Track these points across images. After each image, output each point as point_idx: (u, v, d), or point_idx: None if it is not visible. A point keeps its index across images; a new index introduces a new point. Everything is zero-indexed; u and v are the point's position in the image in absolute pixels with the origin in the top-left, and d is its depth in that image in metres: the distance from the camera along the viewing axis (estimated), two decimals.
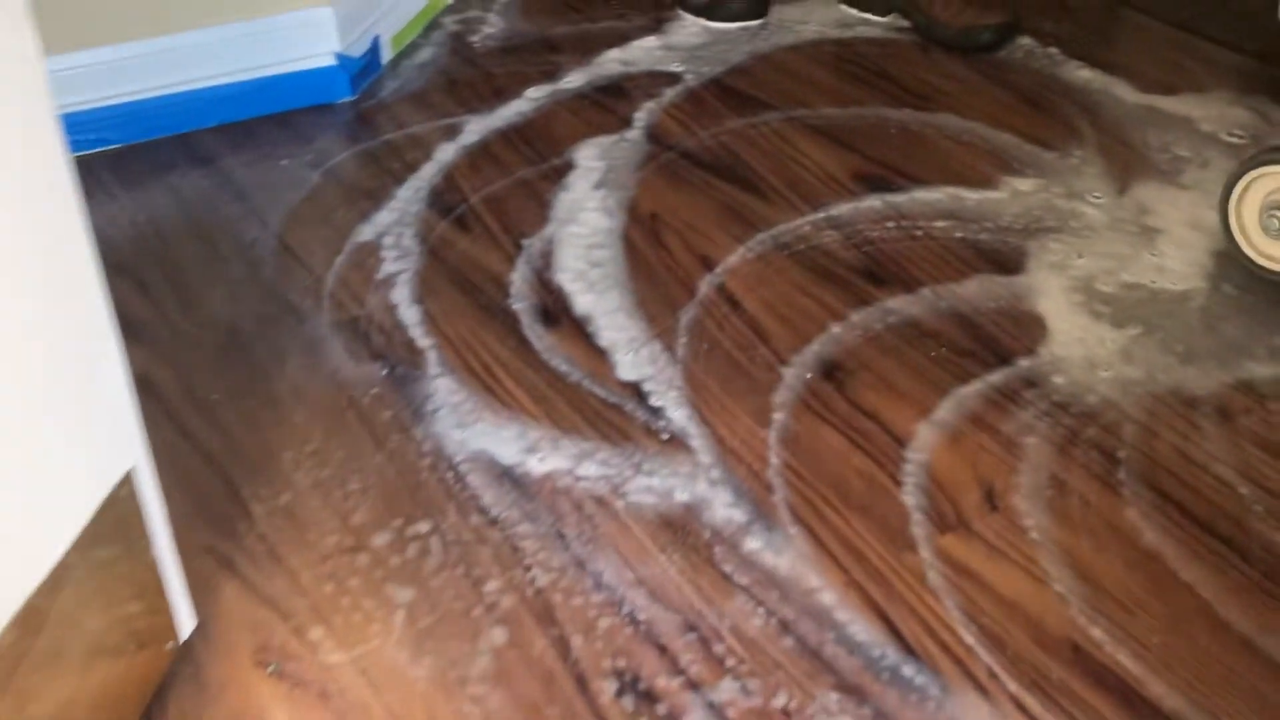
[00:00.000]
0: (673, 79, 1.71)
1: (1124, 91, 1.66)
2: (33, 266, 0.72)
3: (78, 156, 1.49)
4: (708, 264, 1.33)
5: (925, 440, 1.10)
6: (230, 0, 1.53)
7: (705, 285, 1.30)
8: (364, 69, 1.65)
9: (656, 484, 1.06)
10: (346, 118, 1.61)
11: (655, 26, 1.86)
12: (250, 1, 1.54)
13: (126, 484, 0.81)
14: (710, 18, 1.86)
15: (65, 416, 0.76)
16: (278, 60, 1.58)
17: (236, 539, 1.01)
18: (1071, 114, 1.62)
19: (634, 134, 1.58)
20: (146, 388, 1.14)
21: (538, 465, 1.07)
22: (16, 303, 0.71)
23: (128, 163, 1.50)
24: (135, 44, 1.49)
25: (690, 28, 1.85)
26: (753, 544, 1.00)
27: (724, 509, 1.03)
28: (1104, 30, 1.86)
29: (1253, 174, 1.27)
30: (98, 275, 0.78)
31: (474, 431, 1.10)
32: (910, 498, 1.05)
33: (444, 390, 1.15)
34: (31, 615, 0.73)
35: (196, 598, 0.93)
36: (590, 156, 1.53)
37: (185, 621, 0.91)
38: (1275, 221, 1.25)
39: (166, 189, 1.45)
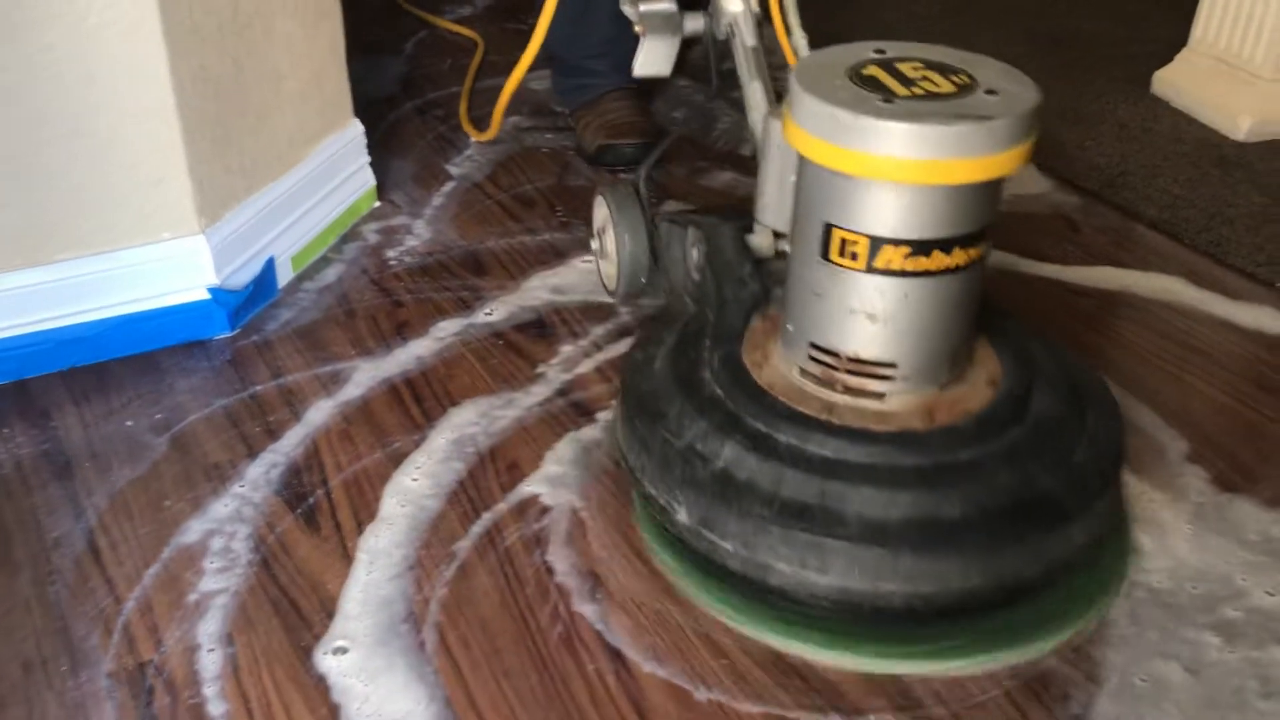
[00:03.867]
0: (606, 313, 1.49)
1: None
2: None
3: None
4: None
5: None
6: (85, 231, 1.34)
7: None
8: (249, 299, 1.45)
9: None
10: (218, 360, 1.40)
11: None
12: (108, 231, 1.35)
13: None
14: None
15: None
16: (141, 296, 1.38)
17: None
18: None
19: (539, 391, 1.35)
20: None
21: None
22: None
23: None
24: None
25: None
26: None
27: None
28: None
29: None
30: None
31: None
32: None
33: None
34: None
35: None
36: (468, 421, 1.30)
37: None
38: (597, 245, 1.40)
39: None
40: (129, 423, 1.30)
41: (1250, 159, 1.89)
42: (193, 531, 1.15)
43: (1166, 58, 2.12)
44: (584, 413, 1.31)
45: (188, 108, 1.33)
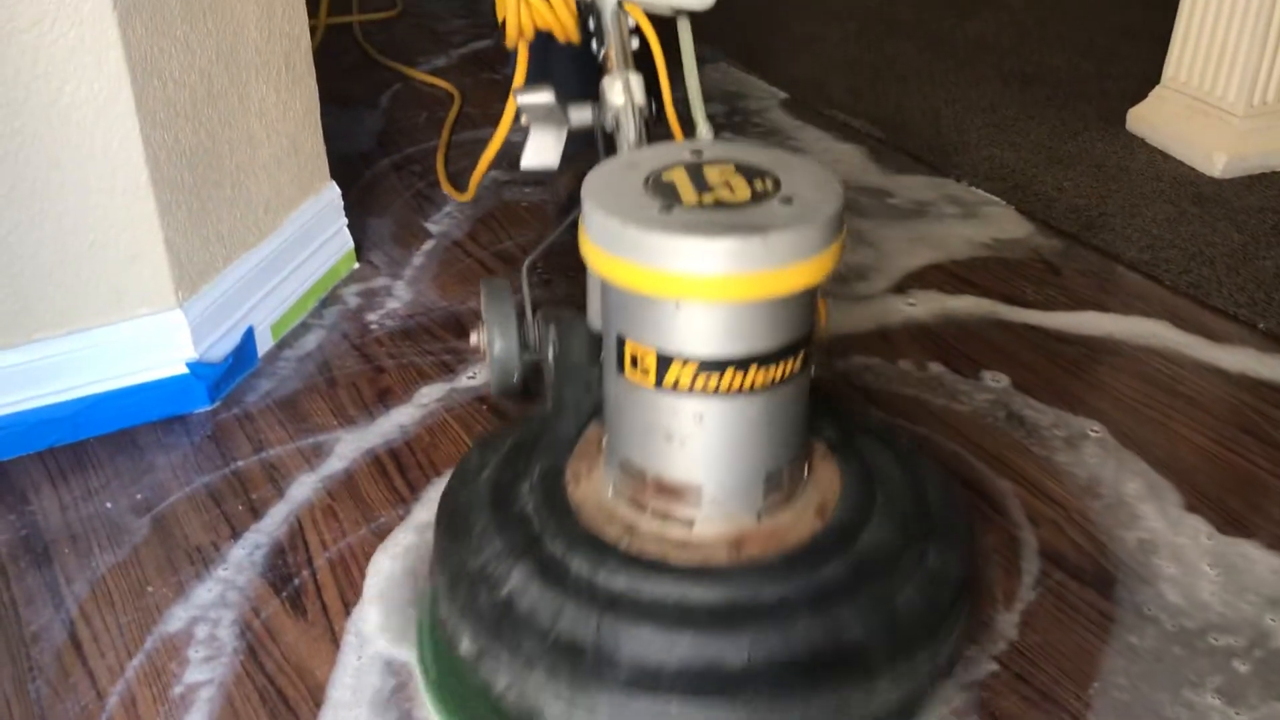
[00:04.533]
0: None
1: None
2: None
3: None
4: None
5: None
6: (60, 309, 1.32)
7: None
8: (229, 371, 1.43)
9: None
10: (199, 436, 1.38)
11: (581, 297, 1.64)
12: (83, 309, 1.33)
13: None
14: None
15: None
16: (119, 373, 1.36)
17: None
18: None
19: None
20: None
21: None
22: None
23: None
24: None
25: None
26: None
27: None
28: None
29: None
30: None
31: None
32: None
33: None
34: None
35: None
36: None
37: None
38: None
39: None
40: (109, 504, 1.27)
41: (1227, 196, 1.90)
42: (176, 619, 1.13)
43: (1140, 94, 2.13)
44: None
45: (162, 182, 1.32)
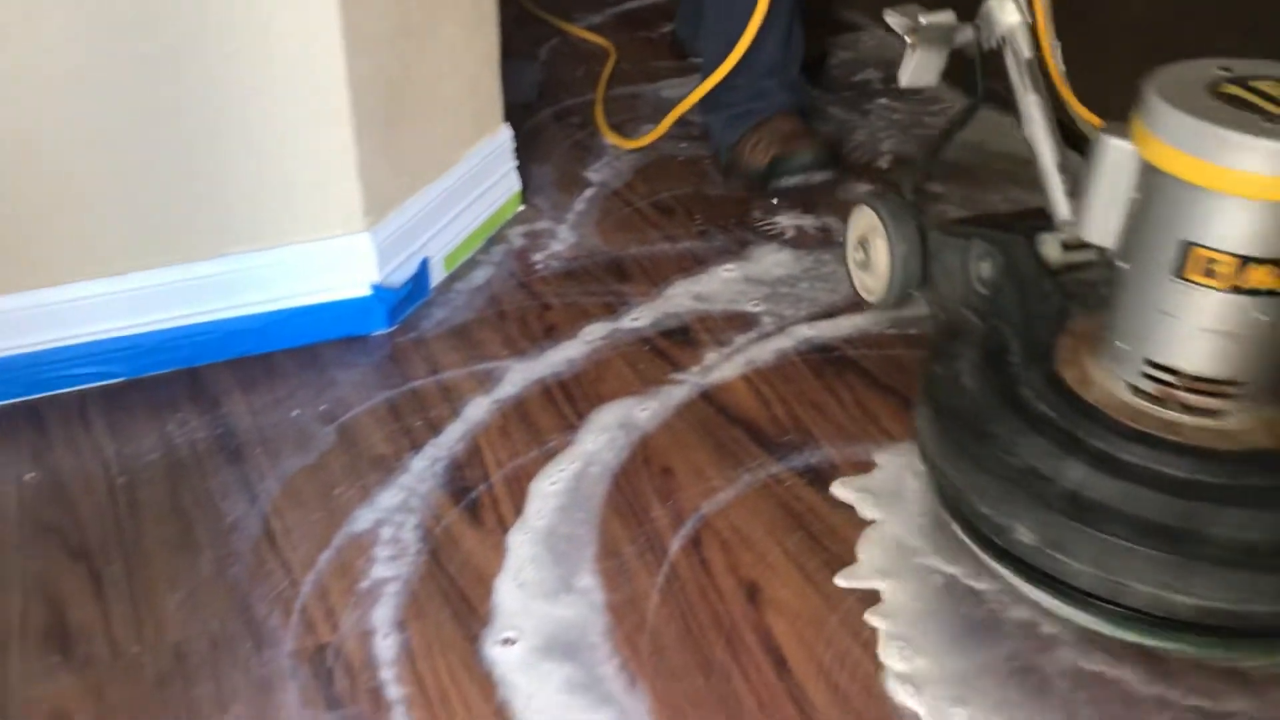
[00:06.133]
0: (747, 322, 1.51)
1: None
2: None
3: (73, 392, 1.36)
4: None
5: None
6: (255, 227, 1.39)
7: None
8: (406, 297, 1.49)
9: None
10: (378, 356, 1.44)
11: (738, 250, 1.67)
12: (277, 227, 1.40)
13: None
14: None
15: None
16: (307, 291, 1.43)
17: None
18: None
19: (686, 395, 1.37)
20: None
21: None
22: None
23: (125, 400, 1.35)
24: (147, 274, 1.36)
25: (774, 255, 1.65)
26: None
27: None
28: None
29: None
30: None
31: None
32: None
33: None
34: None
35: None
36: (618, 423, 1.33)
37: None
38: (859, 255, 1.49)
39: (159, 440, 1.29)
40: (295, 412, 1.34)
41: None
42: (362, 520, 1.19)
43: None
44: (731, 419, 1.33)
45: (360, 110, 1.38)
